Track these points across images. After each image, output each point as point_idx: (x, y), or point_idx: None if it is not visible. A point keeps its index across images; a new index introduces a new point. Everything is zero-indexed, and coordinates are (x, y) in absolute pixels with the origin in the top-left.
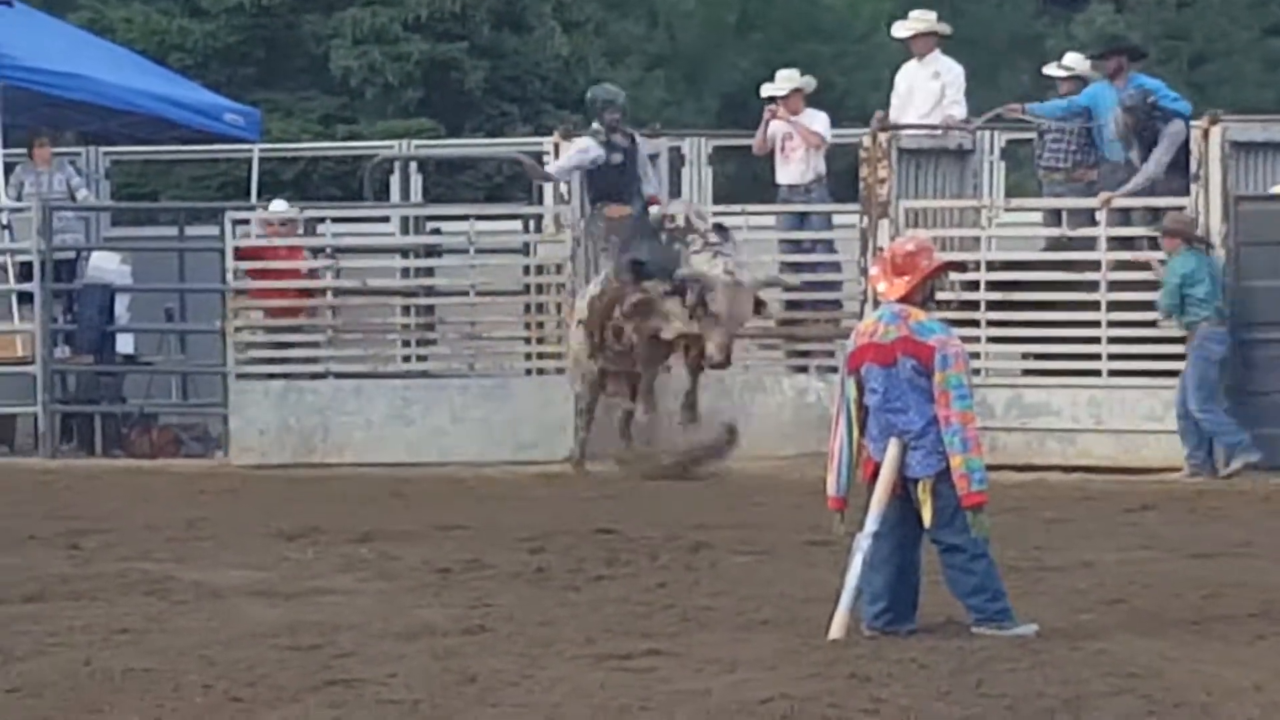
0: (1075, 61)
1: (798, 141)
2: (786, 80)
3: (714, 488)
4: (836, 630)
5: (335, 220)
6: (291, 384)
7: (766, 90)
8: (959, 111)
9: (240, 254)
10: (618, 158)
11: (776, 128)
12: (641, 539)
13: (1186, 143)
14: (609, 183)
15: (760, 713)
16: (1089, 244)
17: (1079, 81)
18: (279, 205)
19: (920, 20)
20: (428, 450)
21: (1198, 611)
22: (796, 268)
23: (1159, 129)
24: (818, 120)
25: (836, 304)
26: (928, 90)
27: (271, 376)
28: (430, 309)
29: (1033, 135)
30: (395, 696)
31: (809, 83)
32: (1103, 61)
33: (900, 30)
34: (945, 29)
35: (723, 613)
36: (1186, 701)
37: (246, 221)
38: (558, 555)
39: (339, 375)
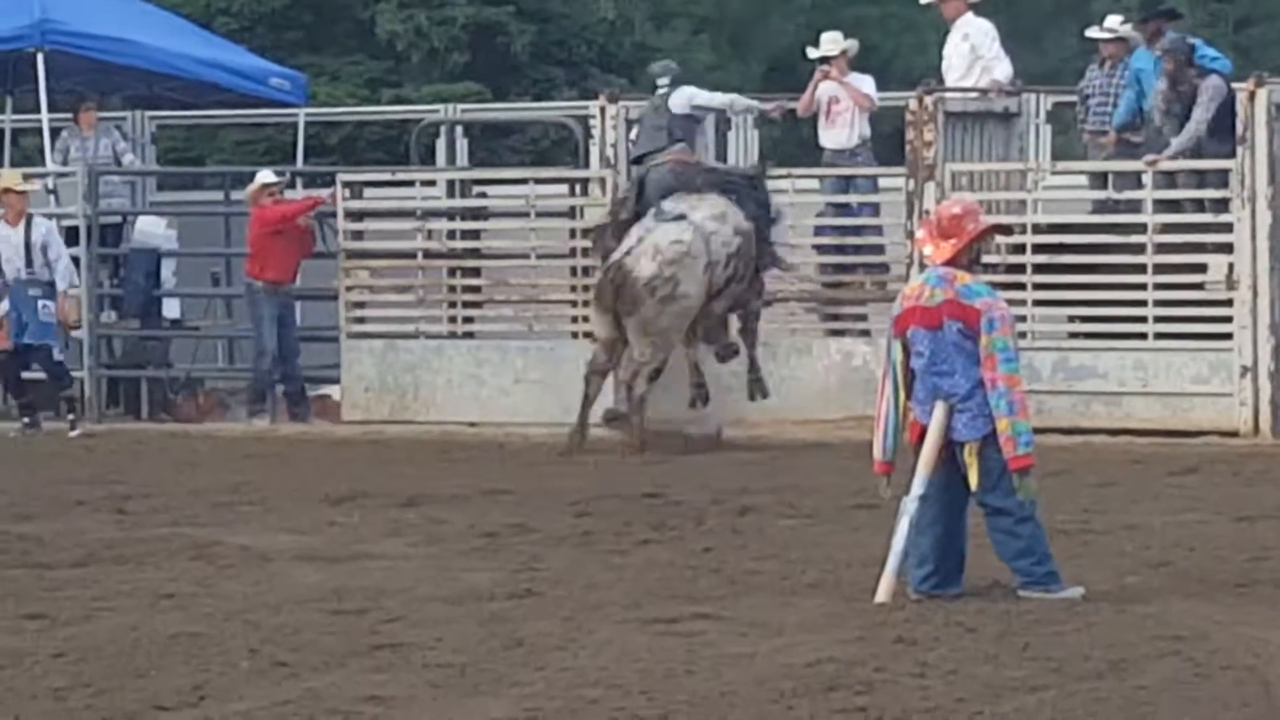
0: (1116, 24)
1: (844, 104)
2: (831, 43)
3: (760, 452)
4: (883, 594)
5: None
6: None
7: (815, 53)
8: (1002, 70)
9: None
10: None
11: (825, 89)
12: (688, 503)
13: (1231, 105)
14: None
15: (806, 676)
16: (1135, 207)
17: (1121, 44)
18: (265, 174)
19: None
20: (482, 411)
21: (1244, 574)
22: (842, 230)
23: (1197, 85)
24: (865, 83)
25: (883, 267)
26: (959, 52)
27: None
28: (476, 272)
29: (1076, 99)
30: (442, 660)
31: (853, 45)
32: (1143, 26)
33: None
34: None
35: (769, 576)
36: (1233, 664)
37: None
38: (604, 519)
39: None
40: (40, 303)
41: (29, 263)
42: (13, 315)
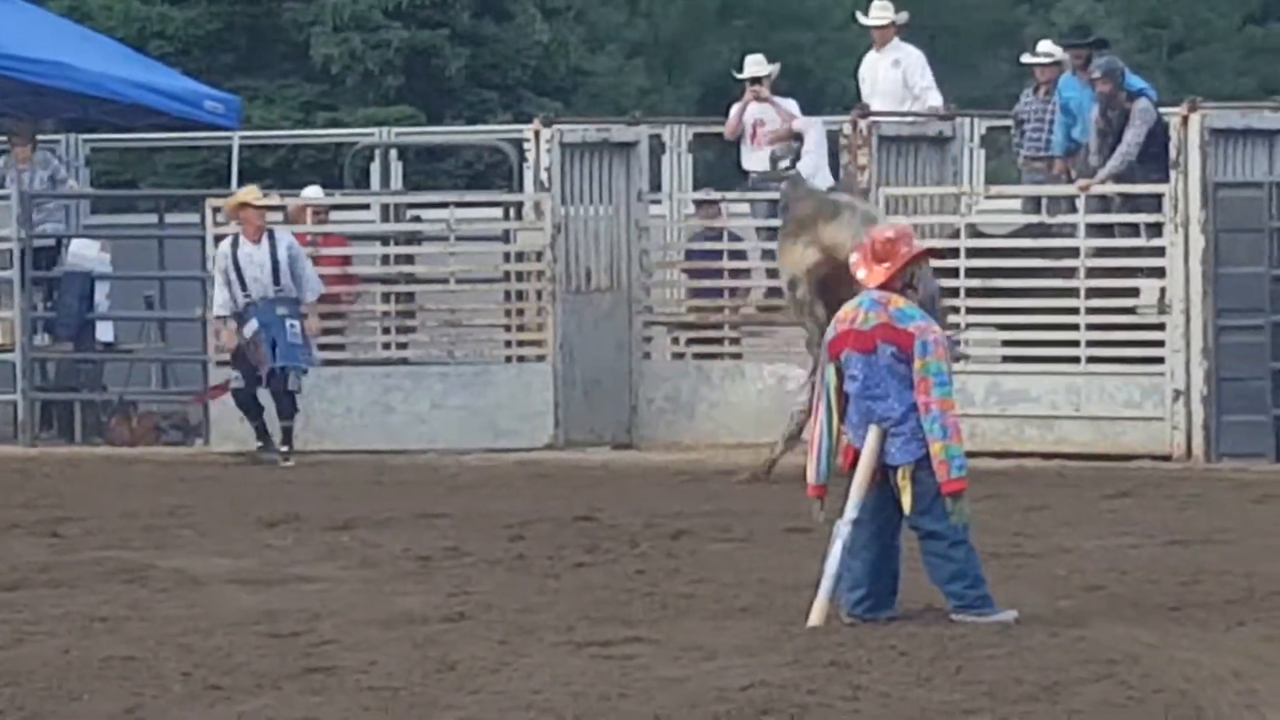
0: (1049, 48)
1: (770, 127)
2: (757, 65)
3: (694, 475)
4: (816, 617)
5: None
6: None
7: (745, 73)
8: (935, 98)
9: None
10: None
11: (752, 112)
12: (621, 526)
13: (1162, 132)
14: None
15: (739, 700)
16: (1068, 231)
17: (1056, 68)
18: (314, 190)
19: (881, 12)
20: (408, 438)
21: (1177, 598)
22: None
23: (1128, 109)
24: (792, 106)
25: None
26: (890, 78)
27: None
28: (410, 296)
29: (1011, 123)
30: (375, 684)
31: (775, 69)
32: (1072, 51)
33: (866, 21)
34: (903, 18)
35: (702, 600)
36: (1166, 688)
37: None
38: (538, 542)
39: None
40: (288, 322)
41: (276, 280)
42: (265, 335)
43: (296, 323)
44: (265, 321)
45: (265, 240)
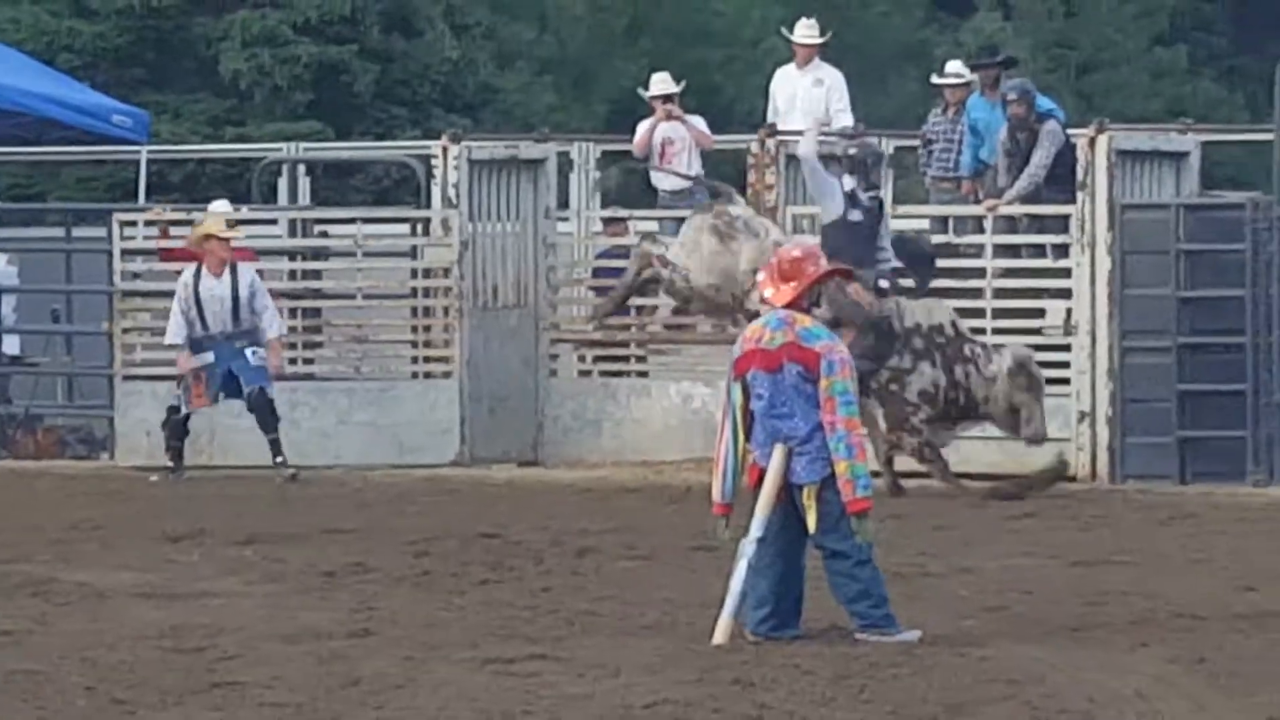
0: (959, 69)
1: (678, 146)
2: (663, 83)
3: (599, 493)
4: (720, 635)
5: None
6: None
7: (653, 91)
8: (847, 119)
9: (164, 255)
10: (857, 215)
11: (661, 131)
12: (526, 543)
13: (1069, 153)
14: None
15: (643, 717)
16: (975, 251)
17: (965, 89)
18: (221, 204)
19: (810, 31)
20: (314, 453)
21: (1080, 619)
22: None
23: (1037, 130)
24: (702, 123)
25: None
26: (812, 97)
27: (158, 378)
28: (317, 312)
29: (918, 143)
30: (279, 699)
31: (680, 87)
32: (980, 72)
33: (796, 38)
34: (827, 37)
35: (607, 617)
36: (1068, 709)
37: (134, 224)
38: (442, 559)
39: None
40: (248, 351)
41: (235, 316)
42: (217, 369)
43: (258, 349)
44: (221, 356)
45: (227, 273)
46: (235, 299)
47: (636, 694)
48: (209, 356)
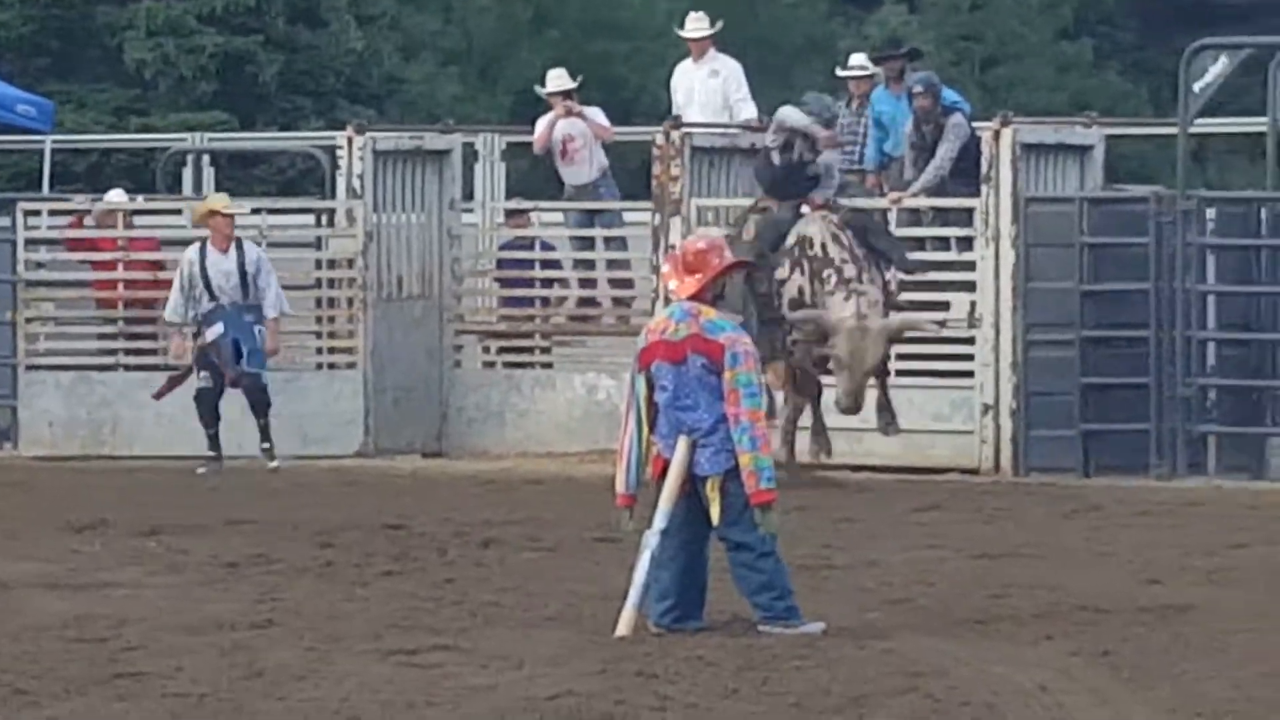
0: (862, 61)
1: (580, 142)
2: (559, 79)
3: (503, 485)
4: (624, 627)
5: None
6: (82, 376)
7: (550, 88)
8: (749, 110)
9: (70, 245)
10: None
11: (561, 128)
12: (430, 534)
13: (974, 146)
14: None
15: (546, 709)
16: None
17: (870, 81)
18: (117, 194)
19: (698, 24)
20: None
21: (983, 611)
22: (588, 265)
23: (943, 124)
24: (600, 115)
25: (627, 301)
26: (709, 89)
27: (62, 368)
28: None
29: None
30: (182, 690)
31: (577, 82)
32: (885, 65)
33: (684, 33)
34: (717, 28)
35: (510, 609)
36: (971, 701)
37: (38, 213)
38: (346, 550)
39: (129, 368)
40: (256, 329)
41: (244, 291)
42: (227, 341)
43: (262, 329)
44: (231, 327)
45: (233, 250)
46: (243, 273)
47: (540, 685)
48: (220, 328)
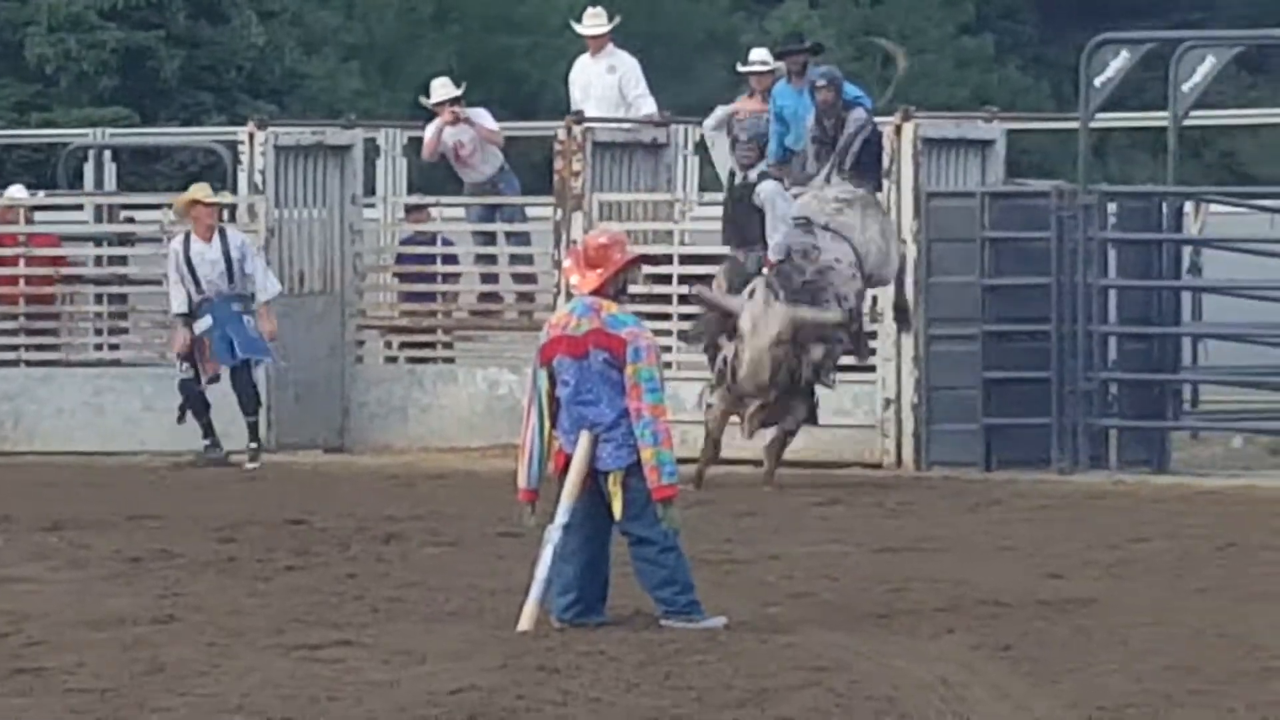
0: (764, 56)
1: (469, 148)
2: (444, 88)
3: (406, 479)
4: (526, 622)
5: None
6: None
7: (435, 98)
8: (648, 106)
9: None
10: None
11: (449, 135)
12: (332, 529)
13: (876, 141)
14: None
15: (449, 704)
16: None
17: (772, 76)
18: (17, 190)
19: (596, 20)
20: (120, 439)
21: (885, 605)
22: (490, 260)
23: (844, 118)
24: (485, 118)
25: (530, 296)
26: (606, 84)
27: None
28: (123, 298)
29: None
30: (83, 685)
31: (461, 89)
32: (787, 60)
33: (582, 29)
34: (615, 24)
35: (412, 604)
36: (873, 695)
37: None
38: (248, 545)
39: (30, 364)
40: (245, 317)
41: (230, 279)
42: (215, 334)
43: (251, 318)
44: (220, 318)
45: (217, 238)
46: (228, 261)
47: (442, 680)
48: (207, 321)
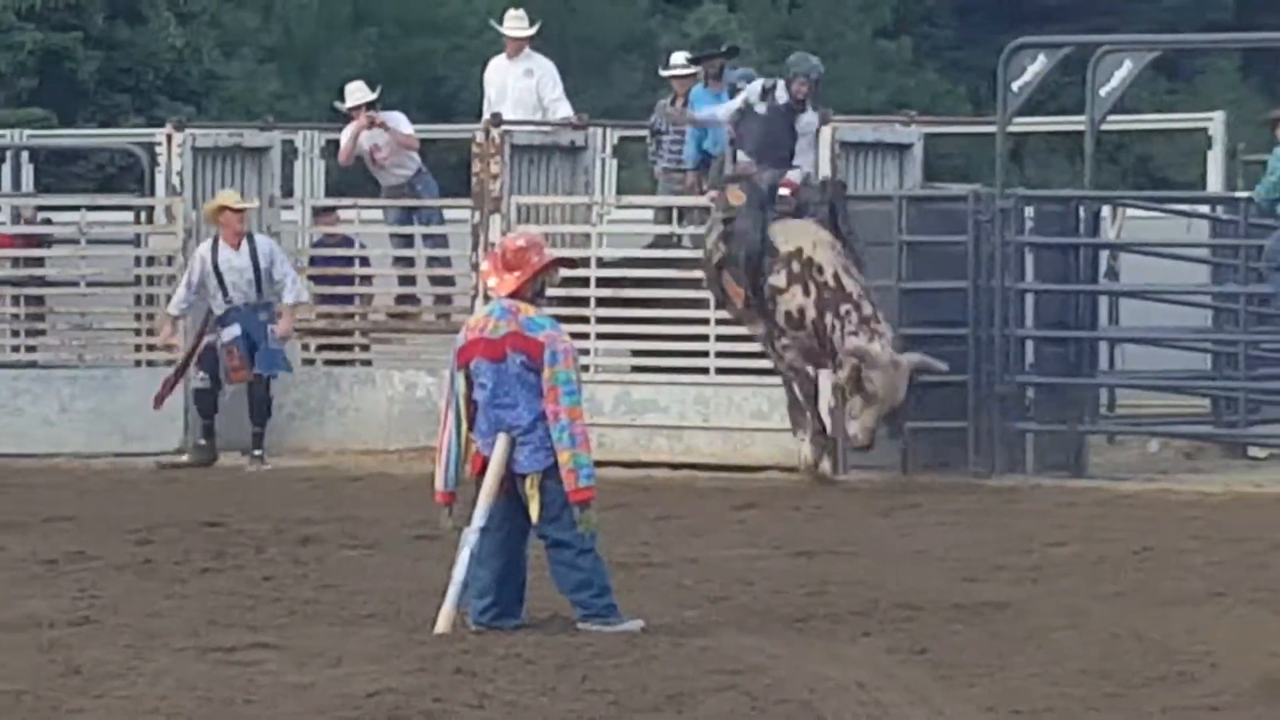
0: (684, 59)
1: (386, 151)
2: (359, 93)
3: (322, 482)
4: (443, 625)
5: None
6: None
7: (350, 102)
8: (564, 109)
9: None
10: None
11: (365, 139)
12: (248, 532)
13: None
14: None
15: (365, 707)
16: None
17: (693, 80)
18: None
19: (520, 23)
20: (36, 441)
21: (803, 609)
22: (408, 262)
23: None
24: (401, 122)
25: (447, 299)
26: (523, 87)
27: None
28: (40, 299)
29: (644, 133)
30: (0, 688)
31: (376, 94)
32: (704, 63)
33: (506, 31)
34: (536, 28)
35: (329, 606)
36: (790, 698)
37: None
38: (165, 547)
39: None
40: (270, 328)
41: (258, 287)
42: (243, 343)
43: (274, 326)
44: (248, 329)
45: (245, 245)
46: (257, 269)
47: (358, 683)
48: (236, 330)
